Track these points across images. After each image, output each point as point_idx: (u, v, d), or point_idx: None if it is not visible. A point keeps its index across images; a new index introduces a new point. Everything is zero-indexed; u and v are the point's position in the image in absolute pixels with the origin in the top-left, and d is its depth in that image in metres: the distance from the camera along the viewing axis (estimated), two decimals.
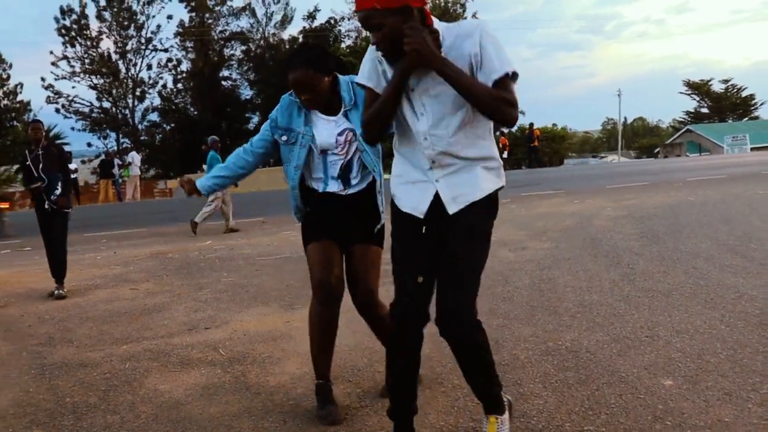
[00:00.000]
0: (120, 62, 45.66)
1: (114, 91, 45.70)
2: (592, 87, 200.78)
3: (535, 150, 30.91)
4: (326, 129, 3.34)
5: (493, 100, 2.44)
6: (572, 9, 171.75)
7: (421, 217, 2.63)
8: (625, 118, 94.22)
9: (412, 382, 2.79)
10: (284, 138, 3.40)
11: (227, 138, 39.61)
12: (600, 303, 5.03)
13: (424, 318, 2.66)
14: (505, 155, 33.41)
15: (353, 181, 3.37)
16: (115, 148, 43.18)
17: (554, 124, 59.90)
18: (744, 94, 67.37)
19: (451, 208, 2.57)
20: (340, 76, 3.37)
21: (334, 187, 3.37)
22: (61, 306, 6.43)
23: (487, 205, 2.63)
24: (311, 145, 3.34)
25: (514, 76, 2.48)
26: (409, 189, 2.68)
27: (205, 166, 12.78)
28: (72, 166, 24.80)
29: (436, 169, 2.60)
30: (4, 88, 47.73)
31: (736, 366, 3.56)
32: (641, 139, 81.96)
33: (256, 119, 47.43)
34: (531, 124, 31.94)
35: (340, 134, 3.33)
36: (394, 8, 2.42)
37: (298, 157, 3.36)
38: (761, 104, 66.60)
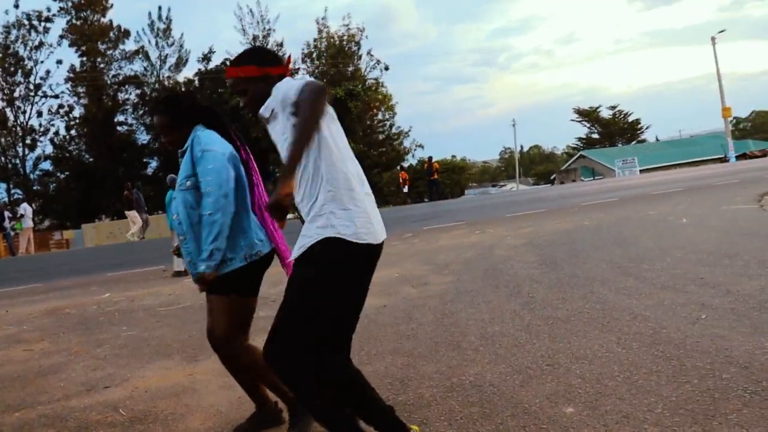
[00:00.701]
0: (8, 110, 44.01)
1: (2, 140, 43.93)
2: (489, 118, 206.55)
3: (435, 182, 31.48)
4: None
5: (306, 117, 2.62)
6: (465, 43, 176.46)
7: None
8: (522, 147, 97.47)
9: None
10: None
11: (126, 182, 38.72)
12: (502, 334, 5.13)
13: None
14: (405, 189, 33.95)
15: (175, 225, 3.60)
16: (6, 199, 41.43)
17: (453, 156, 61.39)
18: (630, 119, 71.05)
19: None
20: (199, 130, 3.52)
21: (177, 230, 3.59)
22: None
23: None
24: None
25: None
26: None
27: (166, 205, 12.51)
28: None
29: None
30: None
31: (633, 388, 3.69)
32: (538, 166, 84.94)
33: (154, 164, 46.58)
34: (430, 158, 32.58)
35: None
36: (256, 77, 2.94)
37: None
38: (647, 128, 70.39)
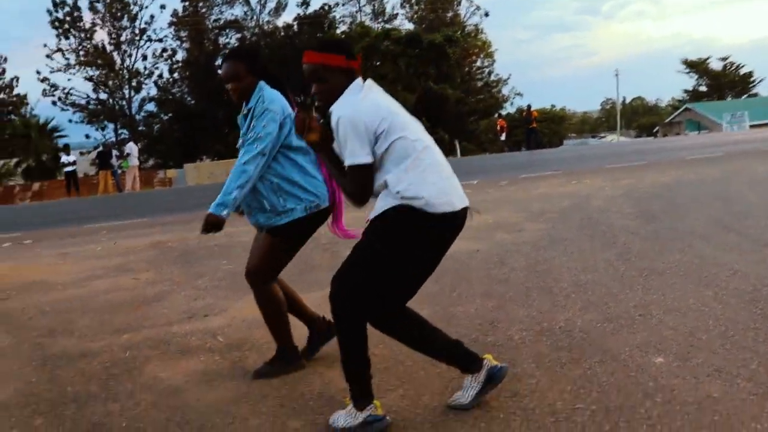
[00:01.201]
0: (115, 53, 45.68)
1: (110, 83, 45.70)
2: (590, 67, 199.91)
3: (533, 131, 30.87)
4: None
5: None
6: None
7: None
8: (624, 98, 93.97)
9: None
10: None
11: (225, 127, 39.68)
12: (595, 282, 5.08)
13: None
14: (503, 137, 33.47)
15: None
16: (114, 139, 43.24)
17: (553, 105, 59.96)
18: (742, 71, 67.25)
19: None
20: (264, 88, 3.61)
21: None
22: (62, 298, 6.47)
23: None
24: None
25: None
26: None
27: None
28: (71, 158, 25.00)
29: None
30: (0, 83, 47.78)
31: (727, 343, 3.61)
32: (640, 118, 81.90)
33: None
34: (528, 106, 31.90)
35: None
36: (342, 68, 2.90)
37: None
38: (759, 81, 66.49)
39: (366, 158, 2.80)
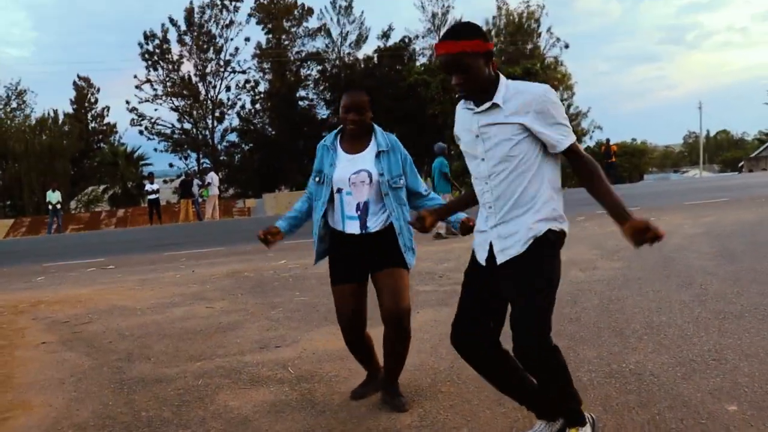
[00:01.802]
0: (200, 84, 47.15)
1: (194, 113, 47.20)
2: (673, 99, 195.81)
3: (612, 166, 30.30)
4: (344, 168, 3.69)
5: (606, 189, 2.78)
6: (651, 20, 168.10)
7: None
8: (708, 131, 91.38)
9: (516, 385, 3.06)
10: (317, 179, 3.78)
11: (304, 157, 40.33)
12: (668, 324, 4.96)
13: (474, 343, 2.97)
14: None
15: (368, 223, 3.67)
16: (196, 168, 44.58)
17: (633, 139, 58.88)
18: None
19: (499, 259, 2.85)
20: (379, 129, 3.77)
21: (351, 228, 3.70)
22: (141, 323, 6.70)
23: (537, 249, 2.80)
24: (331, 184, 3.70)
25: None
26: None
27: (433, 173, 13.43)
28: (154, 186, 25.87)
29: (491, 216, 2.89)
30: (93, 111, 50.03)
31: None
32: (725, 152, 79.50)
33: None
34: (607, 140, 31.36)
35: (355, 173, 3.65)
36: (481, 53, 2.72)
37: (322, 195, 3.73)
38: None
39: None
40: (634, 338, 4.68)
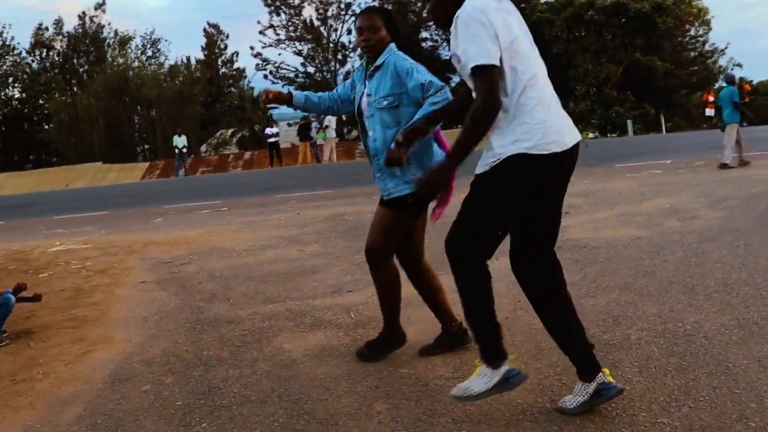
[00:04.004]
0: (321, 28, 47.54)
1: (317, 56, 47.76)
2: None
3: (746, 106, 28.34)
4: (358, 92, 3.77)
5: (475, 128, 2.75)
6: None
7: None
8: (738, 78, 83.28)
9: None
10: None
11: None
12: (745, 282, 4.67)
13: None
14: (710, 112, 31.00)
15: (369, 143, 3.69)
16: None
17: None
18: None
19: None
20: (395, 50, 3.64)
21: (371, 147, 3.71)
22: (232, 265, 6.99)
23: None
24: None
25: (476, 70, 2.70)
26: None
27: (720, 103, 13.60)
28: (274, 130, 26.59)
29: None
30: (222, 57, 51.63)
31: None
32: None
33: (456, 78, 47.48)
34: (741, 78, 29.34)
35: (361, 97, 3.71)
36: None
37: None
38: None
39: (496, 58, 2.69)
40: (703, 296, 4.45)
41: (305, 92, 3.98)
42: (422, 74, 3.51)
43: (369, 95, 3.64)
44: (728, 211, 7.49)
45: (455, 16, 2.76)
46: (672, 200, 8.64)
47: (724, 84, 13.12)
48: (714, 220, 7.06)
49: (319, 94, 4.00)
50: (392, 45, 3.65)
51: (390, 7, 46.36)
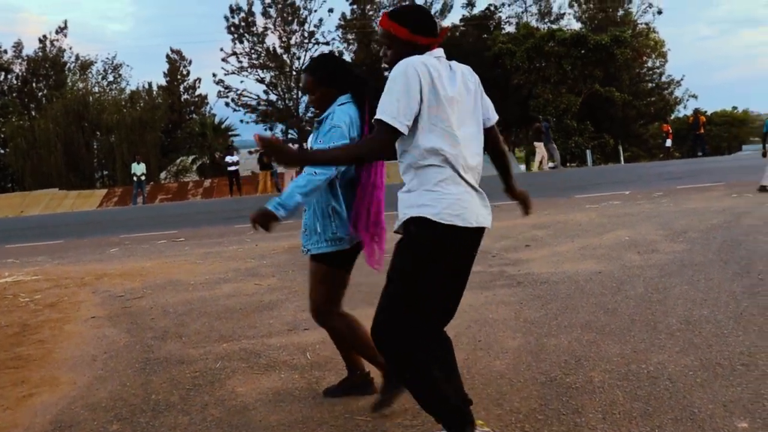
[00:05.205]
0: (285, 56, 47.42)
1: (279, 84, 47.59)
2: None
3: (700, 137, 28.99)
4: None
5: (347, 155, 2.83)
6: None
7: None
8: None
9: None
10: None
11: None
12: (707, 320, 4.64)
13: None
14: (668, 143, 31.64)
15: None
16: (282, 139, 45.11)
17: (734, 107, 56.15)
18: None
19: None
20: (340, 103, 3.51)
21: None
22: (187, 299, 6.80)
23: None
24: None
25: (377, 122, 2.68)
26: None
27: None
28: (234, 158, 26.34)
29: None
30: (185, 84, 51.25)
31: None
32: None
33: None
34: (696, 110, 30.03)
35: None
36: (403, 40, 2.85)
37: None
38: None
39: (403, 124, 2.66)
40: (665, 334, 4.40)
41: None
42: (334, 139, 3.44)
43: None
44: (688, 244, 7.50)
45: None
46: (632, 232, 8.66)
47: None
48: (674, 253, 7.07)
49: None
50: (340, 98, 3.55)
51: (352, 36, 46.77)
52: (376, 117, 2.66)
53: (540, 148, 25.85)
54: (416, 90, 2.65)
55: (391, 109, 2.63)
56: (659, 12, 45.68)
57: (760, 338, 4.19)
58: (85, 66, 48.71)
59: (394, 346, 2.77)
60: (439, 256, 2.71)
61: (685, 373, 3.70)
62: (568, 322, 4.86)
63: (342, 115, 3.46)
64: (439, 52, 2.85)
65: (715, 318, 4.67)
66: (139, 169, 26.45)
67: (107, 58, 48.62)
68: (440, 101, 2.70)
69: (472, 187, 2.77)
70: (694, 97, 45.54)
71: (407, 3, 44.85)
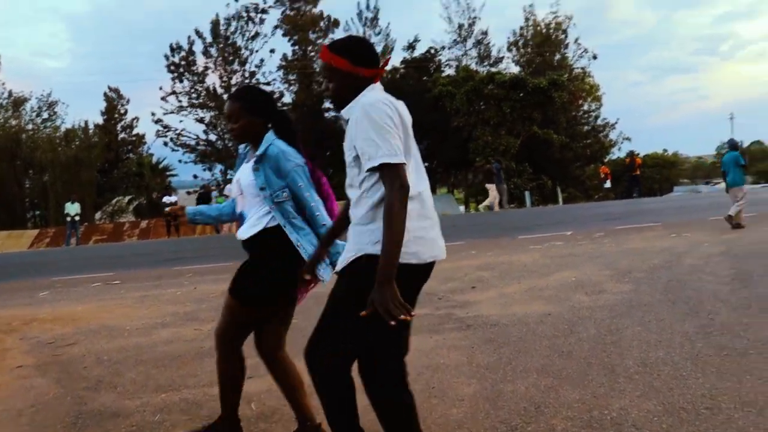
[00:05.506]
0: (225, 96, 47.09)
1: (219, 124, 47.16)
2: (707, 110, 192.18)
3: (636, 179, 29.76)
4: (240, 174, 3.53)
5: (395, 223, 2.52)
6: (686, 30, 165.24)
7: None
8: (741, 142, 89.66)
9: None
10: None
11: (329, 168, 40.22)
12: (664, 362, 4.56)
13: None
14: (607, 184, 32.37)
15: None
16: (221, 179, 44.56)
17: (665, 150, 58.05)
18: None
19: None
20: (272, 136, 3.41)
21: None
22: (122, 346, 6.45)
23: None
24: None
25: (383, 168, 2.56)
26: None
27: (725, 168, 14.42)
28: (172, 199, 25.82)
29: None
30: (122, 122, 50.38)
31: None
32: (759, 163, 77.92)
33: None
34: (631, 152, 30.86)
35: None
36: (344, 72, 2.79)
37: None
38: None
39: (403, 157, 2.59)
40: (624, 377, 4.29)
41: (200, 207, 3.87)
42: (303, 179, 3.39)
43: (262, 189, 3.37)
44: (634, 284, 7.51)
45: (361, 104, 2.66)
46: (577, 273, 8.65)
47: (725, 150, 13.81)
48: (621, 293, 7.05)
49: (219, 205, 3.84)
50: (270, 133, 3.42)
51: (294, 77, 46.81)
52: (380, 163, 2.54)
53: (492, 189, 26.15)
54: (396, 124, 2.62)
55: (386, 148, 2.55)
56: (594, 57, 47.15)
57: (720, 380, 4.12)
58: (18, 103, 47.37)
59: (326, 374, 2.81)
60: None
61: (650, 418, 3.58)
62: (523, 367, 4.72)
63: (292, 151, 3.36)
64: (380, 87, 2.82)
65: (672, 360, 4.59)
66: (73, 209, 25.65)
67: (42, 95, 47.39)
68: (408, 135, 2.68)
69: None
70: (628, 139, 46.91)
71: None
